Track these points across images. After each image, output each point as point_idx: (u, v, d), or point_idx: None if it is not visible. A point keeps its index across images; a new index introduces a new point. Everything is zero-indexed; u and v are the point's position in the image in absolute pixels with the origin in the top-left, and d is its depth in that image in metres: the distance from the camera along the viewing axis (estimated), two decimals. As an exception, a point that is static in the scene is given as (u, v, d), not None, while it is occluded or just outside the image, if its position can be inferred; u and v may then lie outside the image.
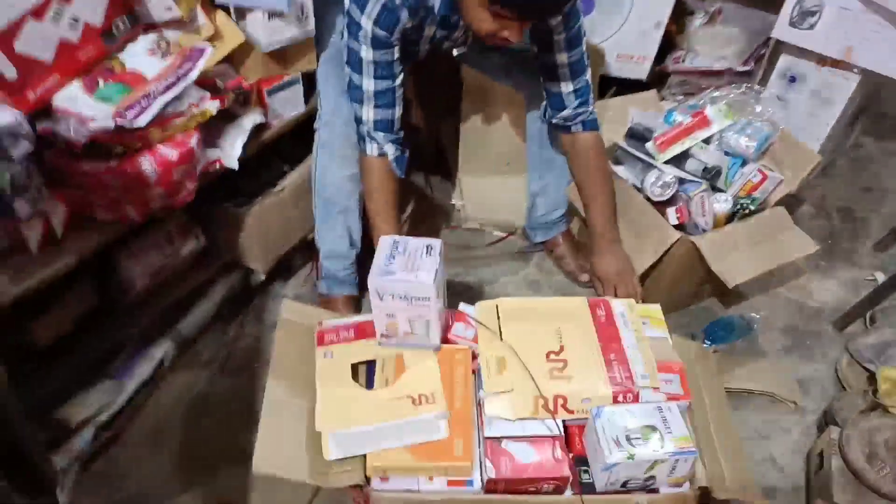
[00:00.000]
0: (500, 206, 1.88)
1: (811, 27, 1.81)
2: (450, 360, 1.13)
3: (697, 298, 1.80)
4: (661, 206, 1.56)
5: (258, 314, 1.73)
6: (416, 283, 1.02)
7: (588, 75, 1.44)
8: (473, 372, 1.13)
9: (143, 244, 1.43)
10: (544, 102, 1.49)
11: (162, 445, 1.43)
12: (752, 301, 1.83)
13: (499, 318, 1.17)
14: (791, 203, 1.78)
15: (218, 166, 1.35)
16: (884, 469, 1.27)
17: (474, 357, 1.14)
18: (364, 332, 1.15)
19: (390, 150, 1.36)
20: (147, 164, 1.16)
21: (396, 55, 1.28)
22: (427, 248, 1.07)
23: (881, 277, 1.88)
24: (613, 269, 1.53)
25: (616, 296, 1.48)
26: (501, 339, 1.14)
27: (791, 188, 1.64)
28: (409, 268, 1.03)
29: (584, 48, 1.40)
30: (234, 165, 1.37)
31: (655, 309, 1.25)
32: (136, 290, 1.44)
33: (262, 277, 1.71)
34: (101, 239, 1.27)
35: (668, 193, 1.55)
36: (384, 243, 1.08)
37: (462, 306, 1.19)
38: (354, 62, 1.29)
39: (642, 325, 1.19)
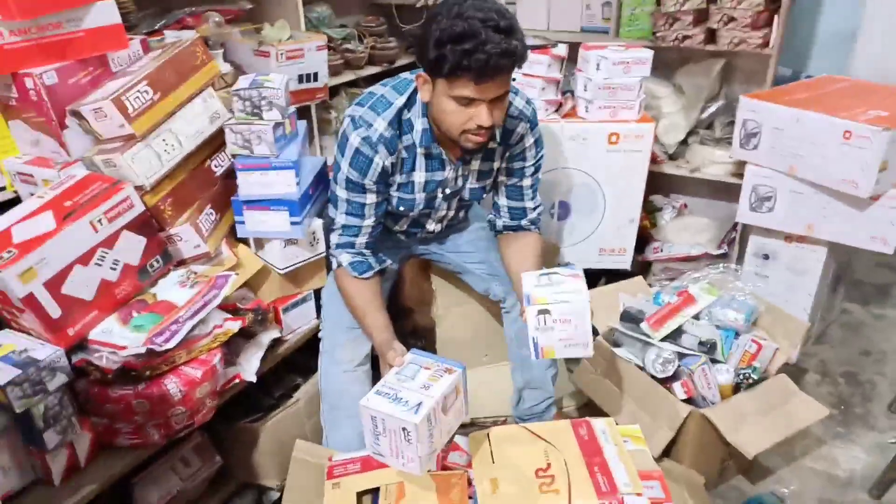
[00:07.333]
0: (486, 397, 1.83)
1: (770, 210, 2.01)
2: (446, 484, 1.21)
3: (723, 478, 1.75)
4: (666, 383, 1.60)
5: (274, 536, 1.66)
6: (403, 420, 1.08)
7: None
8: (470, 497, 1.20)
9: (160, 469, 1.43)
10: (501, 228, 1.62)
11: None
12: (778, 475, 1.78)
13: (490, 444, 1.26)
14: (794, 372, 1.81)
15: (237, 381, 1.41)
16: None
17: (470, 483, 1.22)
18: (370, 464, 1.23)
19: (345, 259, 1.45)
20: (172, 384, 1.23)
21: (370, 200, 1.42)
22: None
23: (904, 439, 1.86)
24: None
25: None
26: (493, 461, 1.22)
27: (788, 355, 1.69)
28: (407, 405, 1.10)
29: (540, 175, 1.61)
30: (253, 379, 1.43)
31: (635, 429, 1.35)
32: (150, 520, 1.42)
33: (277, 495, 1.67)
34: (122, 466, 1.28)
35: (671, 369, 1.60)
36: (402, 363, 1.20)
37: (456, 438, 1.29)
38: (333, 199, 1.46)
39: (624, 442, 1.28)
